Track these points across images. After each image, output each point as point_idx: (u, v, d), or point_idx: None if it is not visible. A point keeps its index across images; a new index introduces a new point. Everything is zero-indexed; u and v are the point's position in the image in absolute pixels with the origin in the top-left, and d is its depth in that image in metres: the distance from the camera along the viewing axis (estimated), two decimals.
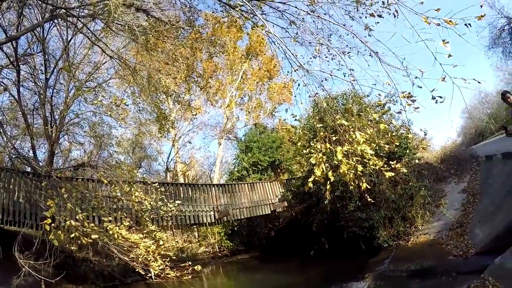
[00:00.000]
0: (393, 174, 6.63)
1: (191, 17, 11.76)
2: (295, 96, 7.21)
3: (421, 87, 5.62)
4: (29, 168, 11.43)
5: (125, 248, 10.55)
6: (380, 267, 10.29)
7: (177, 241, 21.25)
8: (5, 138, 9.61)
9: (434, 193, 13.51)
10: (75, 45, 17.18)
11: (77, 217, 8.30)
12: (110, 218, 10.21)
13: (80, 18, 9.38)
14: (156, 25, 9.97)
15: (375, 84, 6.26)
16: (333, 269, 11.96)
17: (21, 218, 10.80)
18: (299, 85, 7.07)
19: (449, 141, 20.80)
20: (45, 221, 7.53)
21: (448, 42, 4.91)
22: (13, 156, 9.35)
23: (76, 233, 8.20)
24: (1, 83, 15.03)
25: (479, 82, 5.02)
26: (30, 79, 15.66)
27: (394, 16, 5.90)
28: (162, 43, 11.21)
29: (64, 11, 8.97)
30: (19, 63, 13.82)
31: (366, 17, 6.55)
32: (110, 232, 9.60)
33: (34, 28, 10.73)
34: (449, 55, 5.00)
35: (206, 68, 24.05)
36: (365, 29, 6.44)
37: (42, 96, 15.26)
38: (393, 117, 11.42)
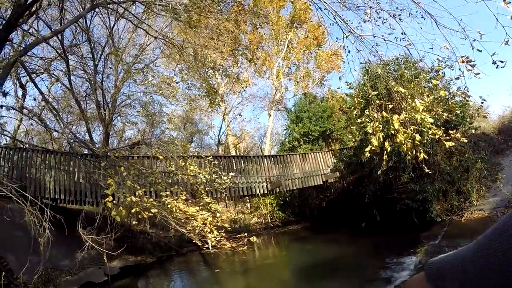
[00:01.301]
0: (453, 144, 6.20)
1: None
2: (348, 63, 6.87)
3: (480, 51, 5.07)
4: (87, 150, 11.99)
5: (182, 221, 10.85)
6: (432, 242, 9.90)
7: (230, 212, 21.80)
8: (62, 125, 10.04)
9: (491, 167, 12.60)
10: (118, 30, 17.72)
11: (136, 193, 8.57)
12: (167, 193, 10.47)
13: (120, 4, 9.44)
14: (197, 1, 9.83)
15: (431, 48, 5.78)
16: (384, 242, 11.66)
17: (82, 197, 11.62)
18: (349, 51, 6.73)
19: (507, 110, 18.01)
20: (106, 199, 7.83)
21: (510, 2, 4.37)
22: (71, 141, 9.78)
23: (137, 208, 8.49)
24: (53, 75, 15.86)
25: None
26: (79, 67, 16.41)
27: None
28: (205, 18, 11.10)
29: None
30: (67, 54, 14.41)
31: None
32: (168, 205, 9.87)
33: (77, 19, 10.96)
34: None
35: (251, 40, 23.77)
36: None
37: (92, 82, 15.90)
38: (450, 83, 10.68)
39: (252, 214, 23.35)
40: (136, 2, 10.05)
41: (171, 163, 11.78)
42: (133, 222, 12.45)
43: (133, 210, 8.63)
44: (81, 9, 12.13)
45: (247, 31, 23.19)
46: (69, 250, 10.24)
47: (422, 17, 5.91)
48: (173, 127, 25.32)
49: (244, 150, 29.63)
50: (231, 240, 11.98)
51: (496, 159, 13.29)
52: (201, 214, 10.50)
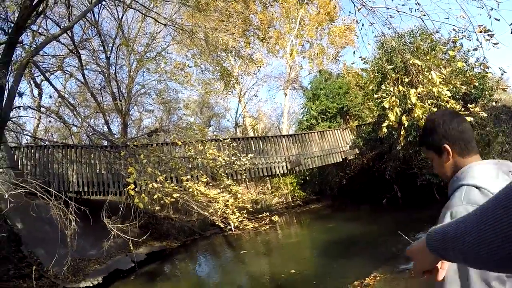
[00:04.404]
0: (472, 119, 6.03)
1: None
2: (362, 38, 6.68)
3: (498, 20, 4.88)
4: (106, 141, 12.20)
5: (204, 204, 11.00)
6: None
7: (251, 193, 21.96)
8: (80, 119, 10.23)
9: None
10: (127, 21, 17.74)
11: (157, 179, 8.71)
12: (188, 177, 10.59)
13: None
14: None
15: (447, 18, 5.57)
16: (406, 218, 11.56)
17: (105, 188, 11.90)
18: (363, 25, 6.56)
19: None
20: (128, 187, 7.98)
21: None
22: (90, 134, 9.96)
23: (159, 194, 8.64)
24: (67, 71, 16.07)
25: None
26: (92, 61, 16.58)
27: None
28: (214, 1, 10.99)
29: None
30: (79, 50, 14.58)
31: None
32: (189, 189, 10.01)
33: (84, 14, 10.99)
34: None
35: (262, 20, 23.46)
36: None
37: (106, 75, 16.05)
38: (468, 54, 10.35)
39: (273, 194, 23.42)
40: None
41: (190, 148, 11.91)
42: (156, 209, 12.70)
43: (155, 196, 8.82)
44: (88, 3, 12.20)
45: (257, 11, 22.88)
46: (96, 240, 10.56)
47: None
48: (190, 113, 25.52)
49: (262, 131, 29.61)
50: (253, 221, 12.14)
51: None
52: (222, 196, 10.63)
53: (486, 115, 8.17)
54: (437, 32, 6.87)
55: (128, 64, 17.44)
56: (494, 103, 11.79)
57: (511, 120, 13.06)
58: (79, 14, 11.53)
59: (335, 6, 23.73)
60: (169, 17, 14.59)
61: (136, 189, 8.43)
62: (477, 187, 1.35)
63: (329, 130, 17.78)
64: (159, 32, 18.02)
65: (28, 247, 9.19)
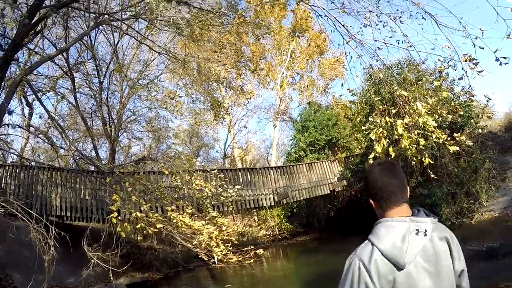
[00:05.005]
0: (457, 148, 6.08)
1: (232, 2, 11.60)
2: (350, 70, 6.80)
3: (483, 48, 5.00)
4: (93, 167, 12.03)
5: (188, 235, 10.79)
6: None
7: (237, 226, 21.62)
8: (68, 142, 10.11)
9: (499, 166, 12.54)
10: (123, 47, 17.90)
11: (142, 208, 8.54)
12: (173, 207, 10.44)
13: (123, 21, 9.53)
14: (199, 15, 9.88)
15: (433, 49, 5.71)
16: None
17: (88, 214, 11.61)
18: (351, 57, 6.69)
19: None
20: (111, 215, 7.80)
21: None
22: (77, 158, 9.83)
23: (142, 223, 8.44)
24: (59, 93, 16.08)
25: None
26: (85, 85, 16.67)
27: None
28: (208, 32, 11.14)
29: (107, 16, 9.20)
30: (72, 72, 14.63)
31: None
32: (174, 220, 9.83)
33: (81, 37, 11.11)
34: None
35: (254, 52, 23.88)
36: None
37: (98, 99, 16.05)
38: (454, 84, 10.57)
39: (260, 227, 23.14)
40: (139, 19, 10.14)
41: (177, 178, 11.77)
42: (139, 238, 12.37)
43: (138, 226, 8.61)
44: (86, 27, 12.31)
45: (249, 43, 23.33)
46: (74, 267, 10.18)
47: (423, 18, 5.86)
48: (179, 142, 25.41)
49: (251, 162, 29.49)
50: (237, 254, 11.89)
51: (504, 158, 13.24)
52: (207, 228, 10.45)
53: (472, 143, 8.30)
54: (423, 62, 7.02)
55: (120, 90, 17.47)
56: (480, 130, 12.02)
57: (497, 146, 13.41)
58: (76, 37, 11.63)
59: (325, 39, 24.31)
60: (164, 45, 14.77)
61: (120, 217, 8.25)
62: (373, 245, 1.44)
63: (317, 162, 17.82)
64: (153, 60, 18.19)
65: (4, 269, 8.86)
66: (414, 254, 1.38)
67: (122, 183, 9.19)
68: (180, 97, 18.12)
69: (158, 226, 8.95)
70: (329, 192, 16.91)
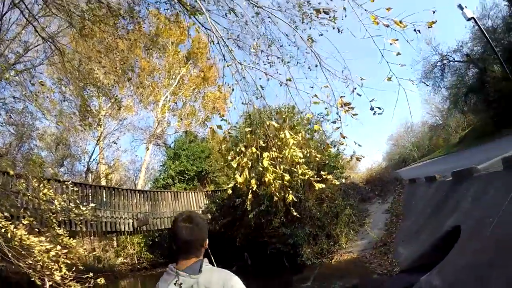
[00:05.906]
0: (323, 186, 6.06)
1: (131, 4, 10.79)
2: (231, 102, 6.52)
3: (360, 95, 5.14)
4: None
5: (22, 252, 9.08)
6: (304, 285, 10.09)
7: (94, 249, 19.44)
8: None
9: (359, 213, 13.66)
10: (9, 21, 15.25)
11: None
12: (6, 214, 8.72)
13: None
14: (95, 9, 8.85)
15: (312, 87, 5.72)
16: (256, 286, 11.35)
17: None
18: (233, 90, 6.43)
19: (374, 164, 21.70)
20: None
21: (397, 40, 4.42)
22: None
23: None
24: None
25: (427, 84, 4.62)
26: None
27: (338, 31, 5.47)
28: (102, 32, 10.09)
29: None
30: None
31: (310, 28, 6.02)
32: (2, 230, 8.15)
33: None
34: (398, 53, 4.52)
35: (144, 67, 22.81)
36: (308, 40, 5.91)
37: None
38: (326, 134, 11.18)
39: (118, 254, 21.22)
40: None
41: (22, 182, 10.05)
42: None
43: None
44: None
45: (142, 57, 22.20)
46: None
47: (309, 68, 5.94)
48: (43, 146, 22.56)
49: (117, 183, 27.26)
50: (76, 281, 10.35)
51: (364, 206, 14.52)
52: (41, 245, 8.89)
53: (338, 182, 8.68)
54: (301, 113, 7.10)
55: None
56: (344, 180, 13.32)
57: (358, 195, 15.00)
58: None
59: (214, 74, 24.49)
60: (52, 33, 12.97)
61: None
62: None
63: (183, 192, 17.36)
64: (37, 46, 15.87)
65: None
66: None
67: None
68: (54, 93, 16.01)
69: None
70: None
